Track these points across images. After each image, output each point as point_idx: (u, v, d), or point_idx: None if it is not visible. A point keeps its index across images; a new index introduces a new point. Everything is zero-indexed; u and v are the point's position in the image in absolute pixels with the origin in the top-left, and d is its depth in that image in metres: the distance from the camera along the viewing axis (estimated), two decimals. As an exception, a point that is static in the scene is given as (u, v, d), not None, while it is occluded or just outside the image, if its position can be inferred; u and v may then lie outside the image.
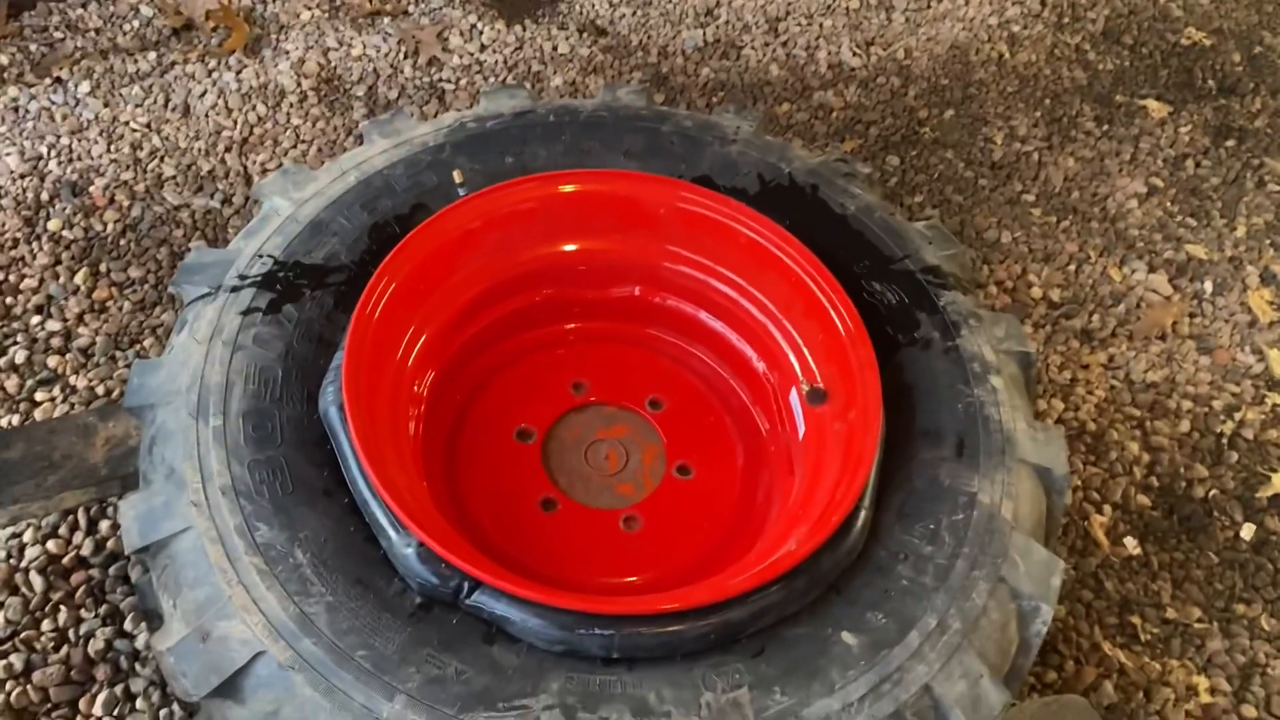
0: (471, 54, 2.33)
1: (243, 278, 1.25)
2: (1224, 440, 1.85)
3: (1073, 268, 2.15)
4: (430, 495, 1.23)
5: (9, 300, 1.77)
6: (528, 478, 1.33)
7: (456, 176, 1.33)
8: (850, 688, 1.03)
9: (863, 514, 1.15)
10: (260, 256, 1.27)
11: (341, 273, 1.28)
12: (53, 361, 1.69)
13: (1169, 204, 2.25)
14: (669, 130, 1.47)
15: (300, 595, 1.04)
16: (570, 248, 1.38)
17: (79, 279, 1.80)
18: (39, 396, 1.64)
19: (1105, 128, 2.41)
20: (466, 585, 1.06)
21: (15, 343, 1.71)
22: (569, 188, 1.34)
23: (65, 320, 1.75)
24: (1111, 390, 1.94)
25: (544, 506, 1.32)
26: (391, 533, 1.08)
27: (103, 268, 1.83)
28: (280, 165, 1.99)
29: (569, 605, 1.03)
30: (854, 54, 2.57)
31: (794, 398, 1.34)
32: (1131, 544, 1.70)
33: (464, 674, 1.01)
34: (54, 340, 1.72)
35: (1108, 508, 1.74)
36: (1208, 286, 2.09)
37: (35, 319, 1.75)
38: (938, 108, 2.46)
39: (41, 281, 1.80)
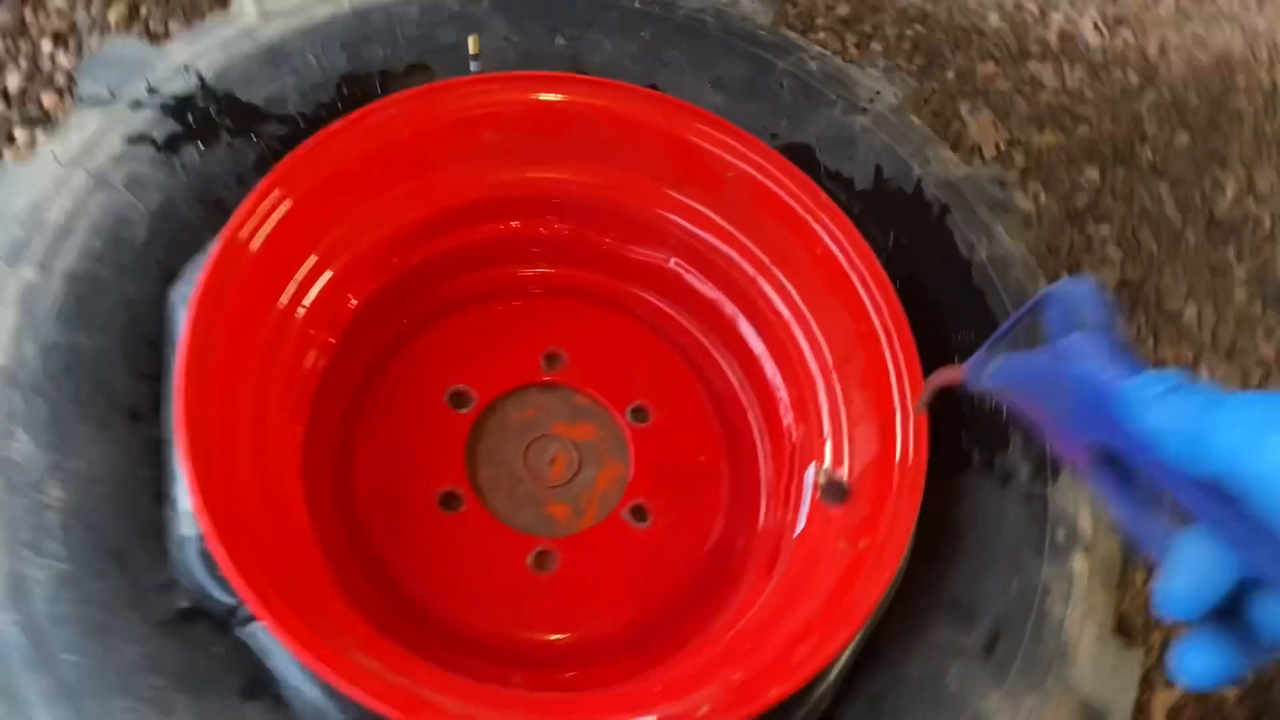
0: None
1: (151, 92, 0.94)
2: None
3: (1258, 377, 1.69)
4: (299, 459, 0.94)
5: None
6: (441, 457, 1.02)
7: (471, 46, 0.98)
8: None
9: (818, 691, 0.81)
10: (186, 70, 0.95)
11: (282, 124, 0.96)
12: None
13: None
14: (785, 68, 1.08)
15: (28, 547, 0.76)
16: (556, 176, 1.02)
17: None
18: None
19: (1373, 219, 1.89)
20: (244, 609, 0.77)
21: None
22: (552, 97, 0.97)
23: None
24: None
25: (444, 503, 1.01)
26: (178, 497, 0.79)
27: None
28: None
29: (371, 694, 0.73)
30: (1096, 29, 2.07)
31: (809, 476, 0.99)
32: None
33: (190, 733, 0.73)
34: None
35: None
36: None
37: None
38: (1171, 128, 1.96)
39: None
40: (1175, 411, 0.43)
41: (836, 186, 1.03)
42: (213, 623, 0.78)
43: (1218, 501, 0.42)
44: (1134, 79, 2.01)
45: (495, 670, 0.94)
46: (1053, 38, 2.04)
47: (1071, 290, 0.52)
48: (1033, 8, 2.07)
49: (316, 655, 0.73)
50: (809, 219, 0.98)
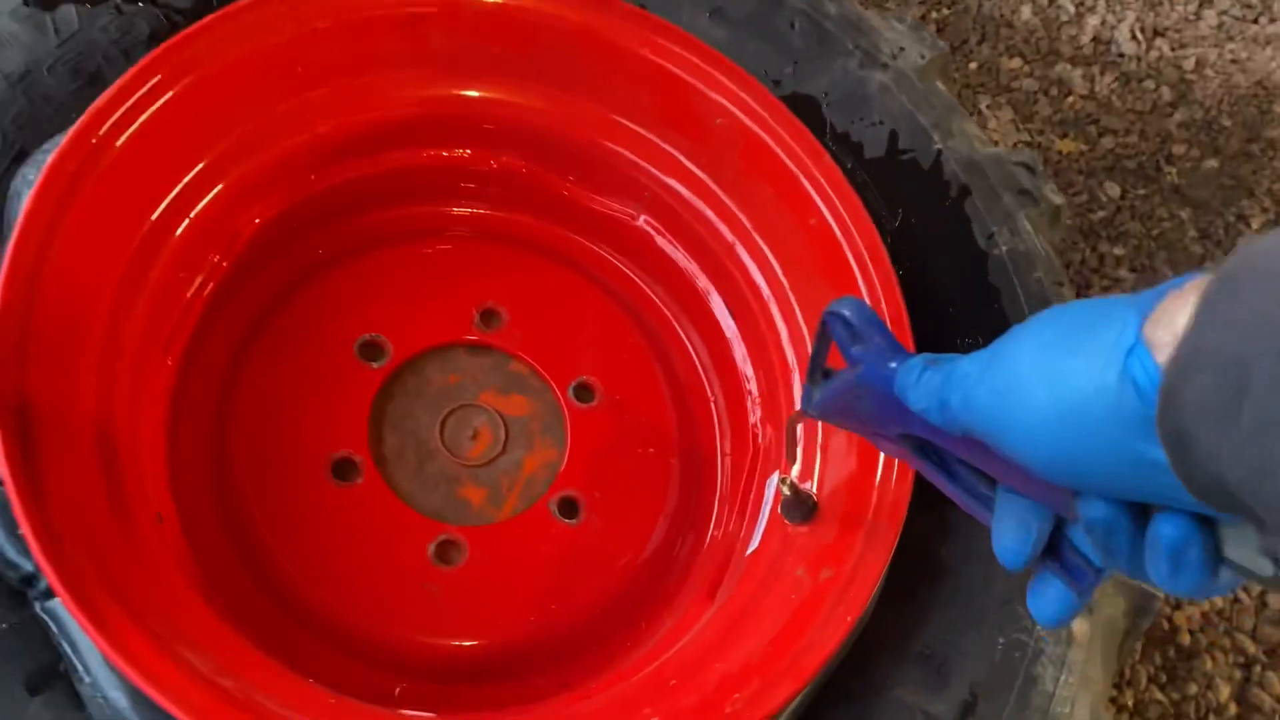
0: None
1: (28, -67, 0.77)
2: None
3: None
4: (167, 401, 0.78)
5: None
6: (340, 415, 0.86)
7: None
8: None
9: (753, 750, 0.66)
10: (77, -86, 0.78)
11: (188, -8, 0.79)
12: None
13: None
14: (798, 5, 0.92)
15: None
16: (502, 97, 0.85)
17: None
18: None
19: (1405, 273, 1.75)
20: (44, 580, 0.61)
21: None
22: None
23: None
24: None
25: (337, 471, 0.84)
26: (-10, 436, 0.63)
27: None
28: None
29: (179, 702, 0.57)
30: (1132, 37, 1.92)
31: (770, 487, 0.84)
32: None
33: (-51, 730, 0.57)
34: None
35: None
36: None
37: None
38: (1200, 150, 1.82)
39: None
40: (927, 389, 0.48)
41: (842, 151, 0.87)
42: (4, 589, 0.62)
43: (993, 455, 0.46)
44: (1166, 94, 1.87)
45: (373, 677, 0.79)
46: (1086, 40, 1.89)
47: (843, 308, 0.55)
48: (1069, 6, 1.92)
49: (118, 643, 0.57)
50: (806, 184, 0.83)
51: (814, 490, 0.79)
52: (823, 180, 0.82)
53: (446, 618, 0.82)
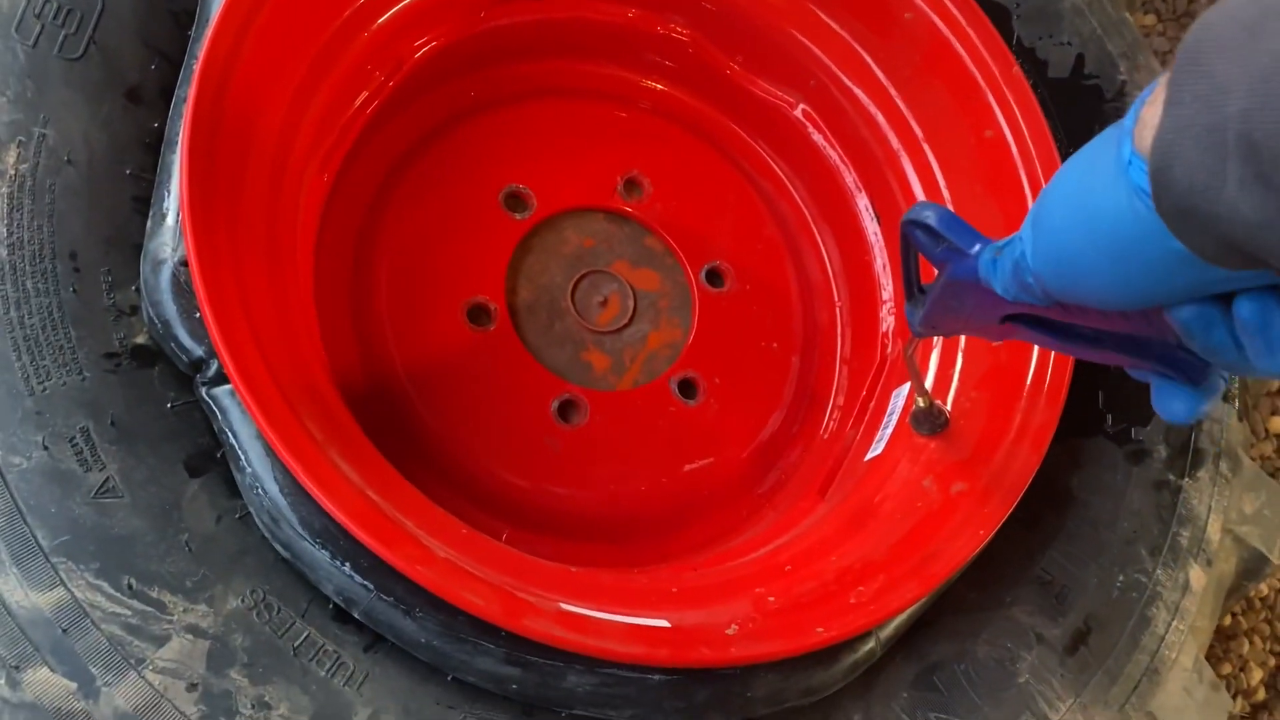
0: None
1: None
2: None
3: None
4: (318, 216, 0.77)
5: None
6: (480, 261, 0.85)
7: None
8: None
9: (868, 644, 0.67)
10: None
11: None
12: None
13: None
14: (999, -89, 0.88)
15: (-36, 221, 0.60)
16: None
17: None
18: None
19: None
20: (215, 364, 0.61)
21: None
22: None
23: None
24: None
25: (472, 315, 0.84)
26: (169, 208, 0.63)
27: None
28: None
29: (348, 511, 0.58)
30: (1275, 11, 1.84)
31: (897, 398, 0.83)
32: None
33: (111, 493, 0.58)
34: None
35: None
36: None
37: None
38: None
39: None
40: (1004, 276, 0.50)
41: (1026, 66, 0.85)
42: (171, 372, 0.62)
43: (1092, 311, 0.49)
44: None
45: (481, 519, 0.79)
46: (1225, 7, 1.83)
47: (925, 215, 0.56)
48: (1212, -31, 1.85)
49: (285, 438, 0.57)
50: (989, 93, 0.80)
51: (948, 405, 0.79)
52: (1007, 92, 0.80)
53: (561, 473, 0.83)
